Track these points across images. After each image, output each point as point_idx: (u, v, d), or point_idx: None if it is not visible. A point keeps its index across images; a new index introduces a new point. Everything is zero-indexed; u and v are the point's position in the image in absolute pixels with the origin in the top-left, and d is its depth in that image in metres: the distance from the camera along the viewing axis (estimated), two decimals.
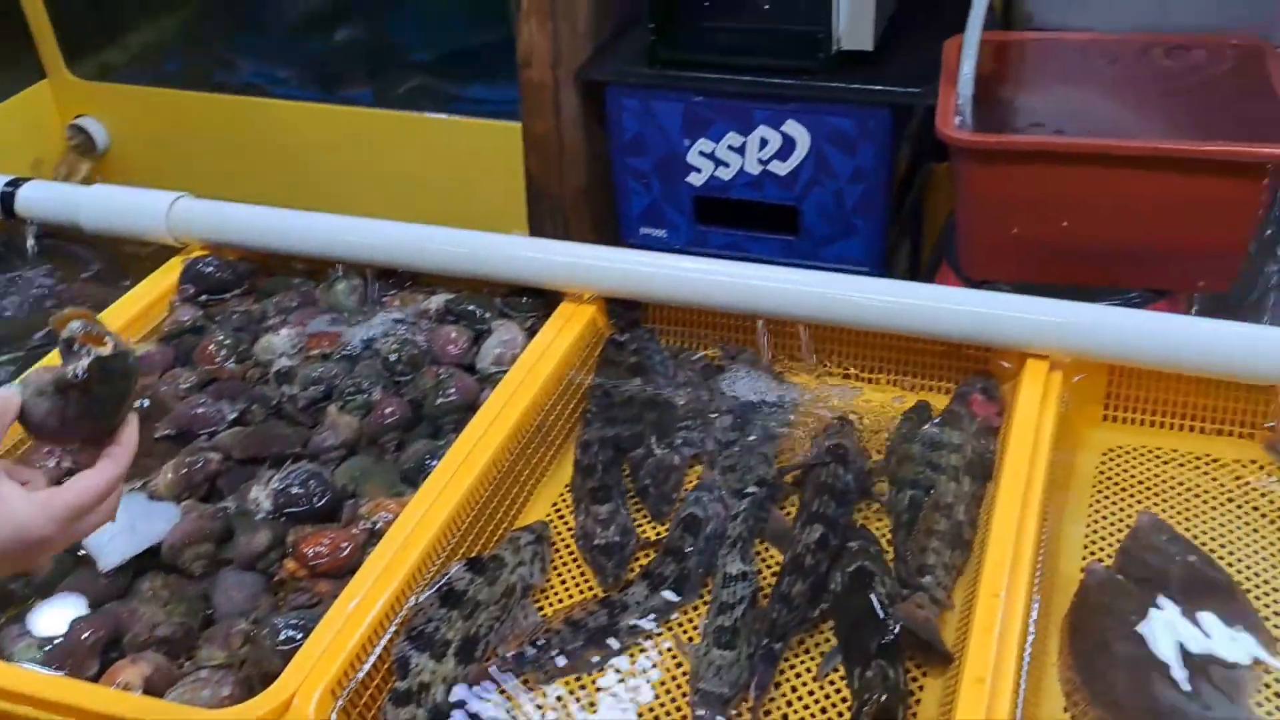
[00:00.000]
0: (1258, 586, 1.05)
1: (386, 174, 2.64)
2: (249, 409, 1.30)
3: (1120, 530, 1.11)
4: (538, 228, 2.10)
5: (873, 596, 1.04)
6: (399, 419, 1.27)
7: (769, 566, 1.11)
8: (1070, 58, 1.69)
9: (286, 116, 2.60)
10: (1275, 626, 1.01)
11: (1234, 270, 1.57)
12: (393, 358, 1.34)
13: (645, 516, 1.18)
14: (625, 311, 1.37)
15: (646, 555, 1.13)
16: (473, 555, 1.11)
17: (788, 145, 1.90)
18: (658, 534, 1.16)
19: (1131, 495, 1.16)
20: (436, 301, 1.41)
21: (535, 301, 1.39)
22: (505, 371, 1.27)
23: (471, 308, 1.40)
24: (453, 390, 1.28)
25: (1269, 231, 1.70)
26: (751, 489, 1.16)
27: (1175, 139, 1.55)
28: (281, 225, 1.50)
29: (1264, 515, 1.12)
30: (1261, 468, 1.17)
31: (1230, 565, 1.07)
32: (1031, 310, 1.20)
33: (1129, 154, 1.49)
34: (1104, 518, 1.14)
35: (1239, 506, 1.13)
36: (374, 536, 1.11)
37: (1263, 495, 1.13)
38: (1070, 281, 1.62)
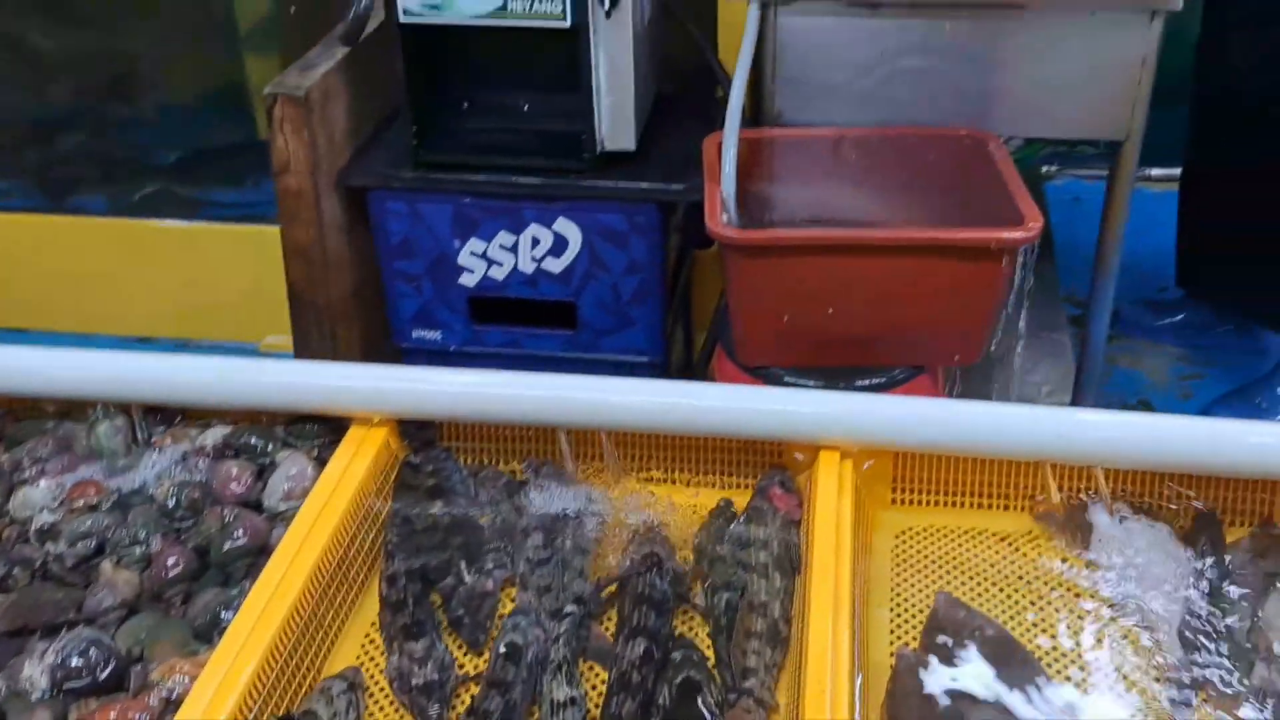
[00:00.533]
0: (1048, 652, 1.13)
1: (126, 287, 2.51)
2: (10, 573, 1.19)
3: (921, 611, 1.18)
4: (303, 339, 2.03)
5: (702, 706, 1.06)
6: (184, 569, 1.19)
7: (595, 688, 1.11)
8: (820, 151, 1.80)
9: (7, 232, 2.44)
10: (1073, 686, 1.09)
11: (982, 344, 1.71)
12: (170, 502, 1.26)
13: (462, 648, 1.15)
14: (418, 431, 1.35)
15: (468, 690, 1.11)
16: (282, 713, 1.06)
17: (560, 243, 1.93)
18: (477, 667, 1.13)
19: (927, 575, 1.23)
20: (213, 436, 1.34)
21: (322, 428, 1.35)
22: (297, 507, 1.22)
23: (253, 440, 1.34)
24: (241, 533, 1.22)
25: (1011, 305, 1.86)
26: (570, 608, 1.15)
27: (921, 226, 1.69)
28: (21, 365, 1.39)
29: (1045, 583, 1.21)
30: (1035, 538, 1.26)
31: (1022, 633, 1.15)
32: (820, 404, 1.26)
33: (882, 243, 1.60)
34: (905, 600, 1.20)
35: (1020, 577, 1.22)
36: (170, 705, 1.04)
37: (1037, 565, 1.23)
38: (840, 363, 1.71)
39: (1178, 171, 3.07)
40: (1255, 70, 2.10)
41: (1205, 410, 2.33)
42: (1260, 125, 2.13)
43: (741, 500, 1.28)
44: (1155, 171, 1.92)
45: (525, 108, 2.00)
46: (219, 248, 2.52)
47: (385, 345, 2.09)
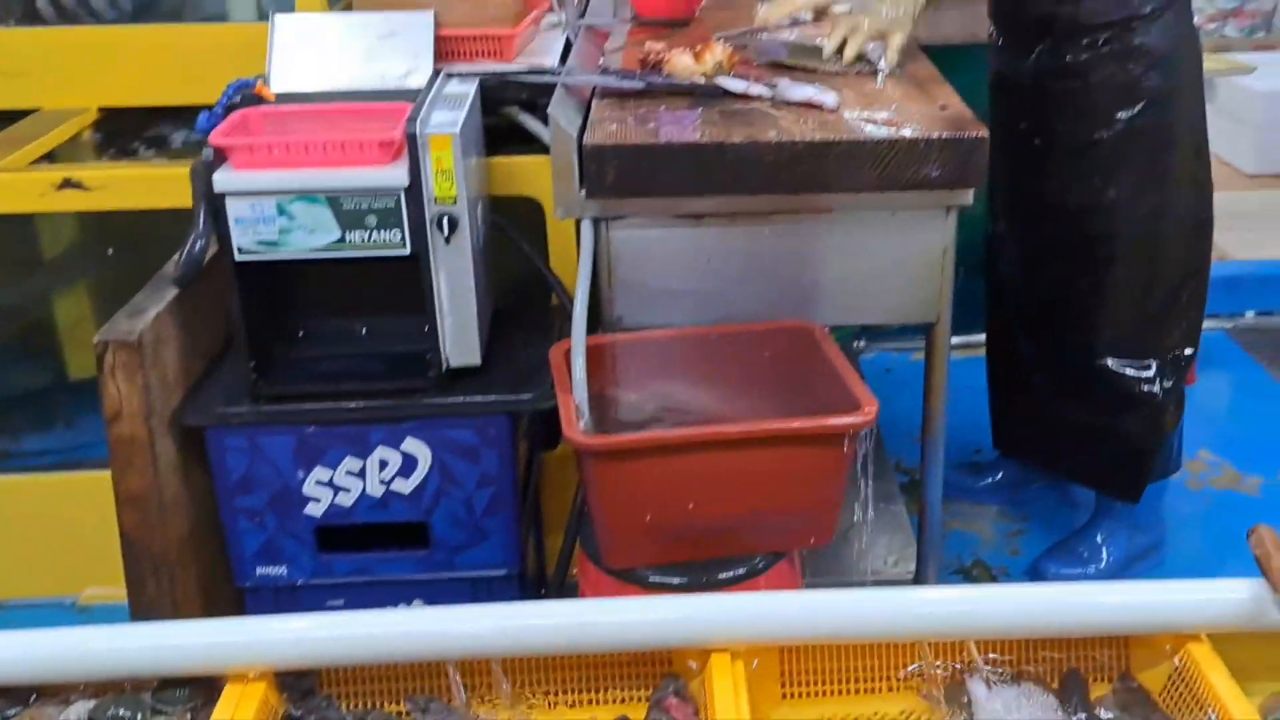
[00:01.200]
0: None
1: None
2: None
3: None
4: (138, 588, 1.95)
5: None
6: None
7: None
8: (661, 352, 1.89)
9: None
10: None
11: (833, 524, 1.80)
12: None
13: None
14: (297, 681, 1.31)
15: None
16: None
17: (409, 463, 1.94)
18: None
19: None
20: (76, 712, 1.27)
21: (194, 689, 1.30)
22: None
23: (120, 712, 1.27)
24: None
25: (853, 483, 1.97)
26: None
27: (766, 418, 1.78)
28: None
29: None
30: (922, 716, 1.33)
31: None
32: (708, 608, 1.30)
33: (733, 437, 1.68)
34: None
35: None
36: None
37: None
38: (704, 555, 1.76)
39: (980, 338, 3.37)
40: (1023, 263, 2.35)
41: (1034, 564, 2.48)
42: (1028, 308, 2.37)
43: (638, 714, 1.30)
44: (956, 340, 2.09)
45: (364, 331, 2.03)
46: (29, 499, 2.42)
47: (225, 587, 2.02)
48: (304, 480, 1.94)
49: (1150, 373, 2.24)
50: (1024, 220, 2.32)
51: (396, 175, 1.78)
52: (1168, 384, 2.24)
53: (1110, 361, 2.24)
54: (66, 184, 2.16)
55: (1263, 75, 4.46)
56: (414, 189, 1.79)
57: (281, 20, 2.04)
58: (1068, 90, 2.11)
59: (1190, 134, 2.16)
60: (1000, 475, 2.73)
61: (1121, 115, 2.08)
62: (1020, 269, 2.36)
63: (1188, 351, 2.27)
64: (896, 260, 1.85)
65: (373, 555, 2.02)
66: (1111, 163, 2.11)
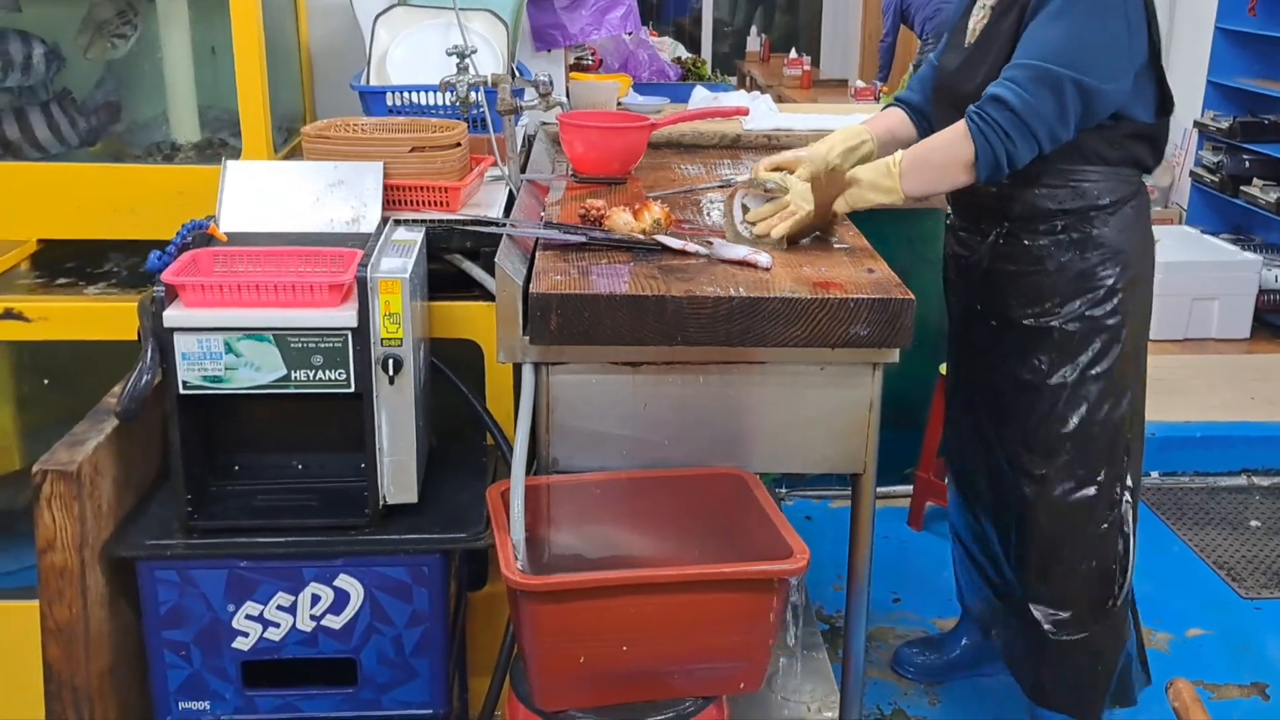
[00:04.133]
0: None
1: None
2: None
3: None
4: None
5: None
6: None
7: None
8: (597, 495, 1.95)
9: None
10: None
11: (763, 670, 1.85)
12: None
13: None
14: None
15: None
16: None
17: (341, 599, 1.96)
18: None
19: None
20: None
21: None
22: None
23: None
24: None
25: (782, 630, 2.03)
26: None
27: (700, 562, 1.84)
28: None
29: None
30: None
31: None
32: None
33: (668, 581, 1.73)
34: None
35: None
36: None
37: None
38: (636, 699, 1.80)
39: (902, 489, 3.48)
40: (975, 440, 2.38)
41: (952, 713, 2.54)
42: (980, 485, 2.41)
43: None
44: (881, 489, 2.18)
45: (299, 467, 2.06)
46: None
47: None
48: (234, 614, 1.94)
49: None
50: (977, 399, 2.32)
51: (345, 316, 1.84)
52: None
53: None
54: (8, 314, 2.18)
55: (1161, 249, 4.77)
56: (361, 330, 1.85)
57: (233, 166, 2.13)
58: (1023, 274, 2.13)
59: (1139, 328, 2.17)
60: (960, 648, 2.71)
61: (1075, 304, 2.10)
62: (972, 447, 2.37)
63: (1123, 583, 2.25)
64: (825, 413, 1.95)
65: (299, 692, 2.01)
66: (1062, 349, 2.12)
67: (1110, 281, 2.10)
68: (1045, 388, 2.16)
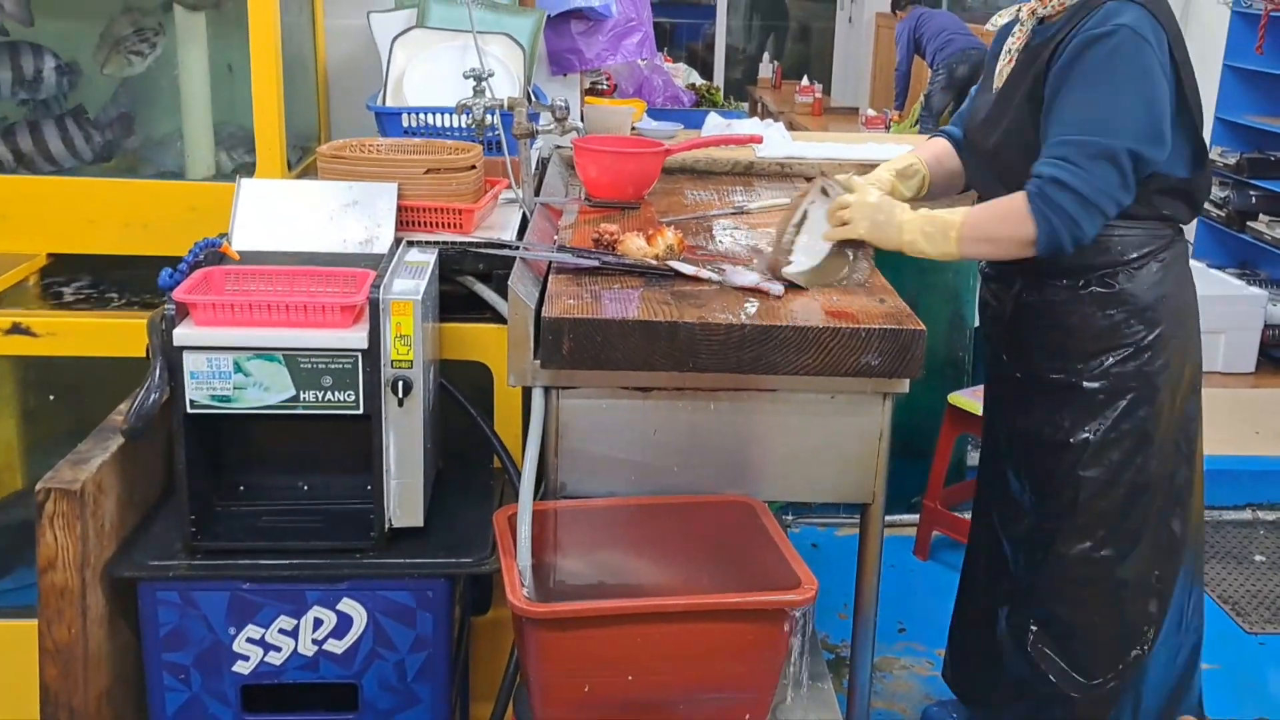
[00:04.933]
0: None
1: None
2: None
3: None
4: None
5: None
6: None
7: None
8: (605, 521, 1.92)
9: None
10: None
11: (769, 701, 1.81)
12: None
13: None
14: None
15: None
16: None
17: (344, 623, 1.92)
18: None
19: None
20: None
21: None
22: None
23: None
24: None
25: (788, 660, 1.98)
26: None
27: (707, 592, 1.81)
28: None
29: None
30: None
31: None
32: None
33: (675, 610, 1.69)
34: None
35: None
36: None
37: None
38: None
39: (908, 517, 3.44)
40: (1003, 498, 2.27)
41: None
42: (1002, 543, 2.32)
43: None
44: (888, 518, 2.15)
45: (305, 488, 2.03)
46: None
47: None
48: (235, 637, 1.90)
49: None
50: (1007, 451, 2.24)
51: (356, 338, 1.82)
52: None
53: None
54: (15, 329, 2.16)
55: None
56: (372, 352, 1.83)
57: (247, 184, 2.11)
58: (1046, 328, 2.06)
59: (1177, 385, 2.06)
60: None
61: (1101, 361, 2.02)
62: (1001, 502, 2.28)
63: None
64: (835, 442, 1.92)
65: (299, 717, 1.97)
66: (1086, 407, 2.04)
67: (1139, 338, 2.01)
68: (1067, 445, 2.07)
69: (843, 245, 2.03)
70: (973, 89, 2.31)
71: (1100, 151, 1.86)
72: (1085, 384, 2.04)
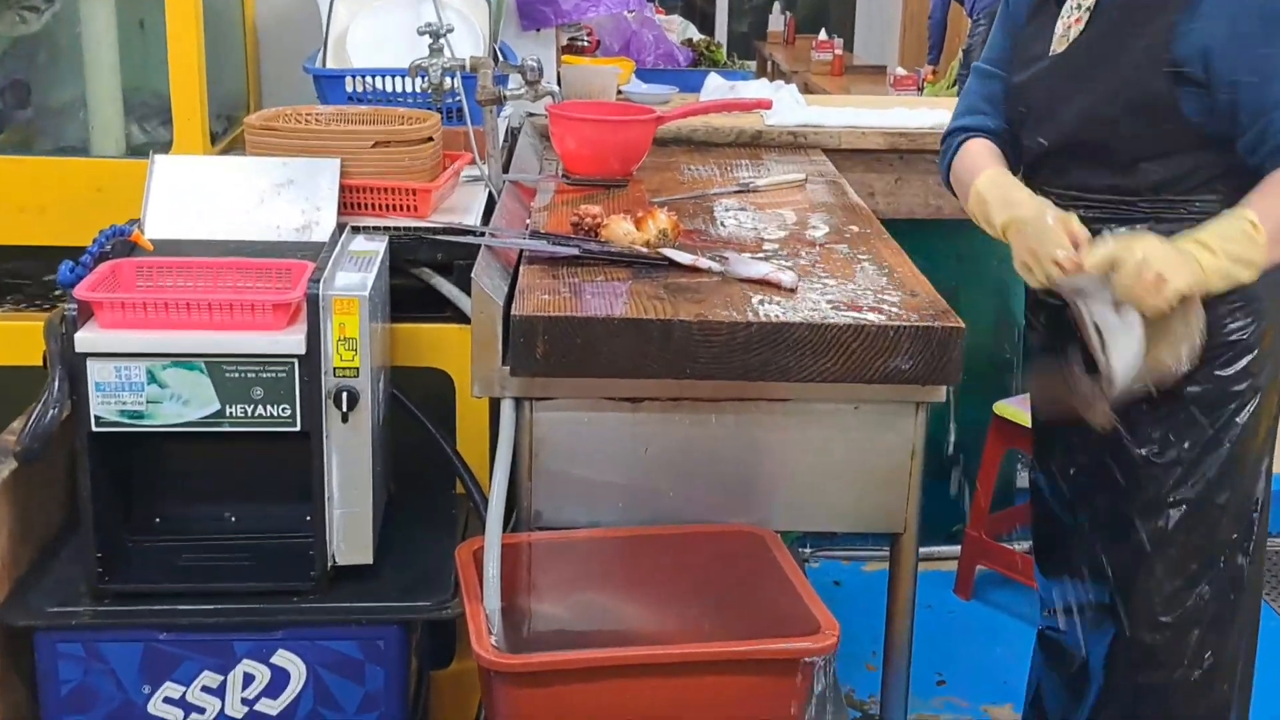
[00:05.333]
0: None
1: None
2: None
3: None
4: None
5: None
6: None
7: None
8: (587, 555, 1.92)
9: None
10: None
11: None
12: None
13: None
14: None
15: None
16: None
17: (279, 679, 1.92)
18: None
19: None
20: None
21: None
22: None
23: None
24: None
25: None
26: None
27: (708, 638, 1.81)
28: None
29: None
30: None
31: None
32: None
33: (667, 661, 1.70)
34: None
35: None
36: None
37: None
38: None
39: (948, 549, 3.45)
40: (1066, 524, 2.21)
41: None
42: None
43: None
44: (923, 550, 2.14)
45: (233, 519, 2.03)
46: None
47: None
48: (149, 697, 1.90)
49: None
50: (1070, 473, 2.18)
51: (292, 342, 1.82)
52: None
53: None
54: None
55: None
56: (311, 358, 1.83)
57: (162, 162, 2.10)
58: None
59: (1277, 393, 2.03)
60: None
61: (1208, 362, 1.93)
62: (1059, 525, 2.22)
63: None
64: (859, 460, 1.92)
65: None
66: (1178, 419, 2.00)
67: (1242, 336, 1.97)
68: (1155, 465, 2.02)
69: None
70: (983, 62, 2.21)
71: None
72: (1178, 392, 1.96)
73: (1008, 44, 2.16)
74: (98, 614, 1.87)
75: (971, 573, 3.37)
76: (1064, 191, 2.00)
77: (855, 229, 2.31)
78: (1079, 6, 2.03)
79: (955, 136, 2.17)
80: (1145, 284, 1.75)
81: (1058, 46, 2.04)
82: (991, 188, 1.98)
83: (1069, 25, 2.04)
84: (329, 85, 2.60)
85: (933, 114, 3.10)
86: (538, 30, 3.20)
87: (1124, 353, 1.81)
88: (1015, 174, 2.07)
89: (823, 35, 8.47)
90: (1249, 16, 1.86)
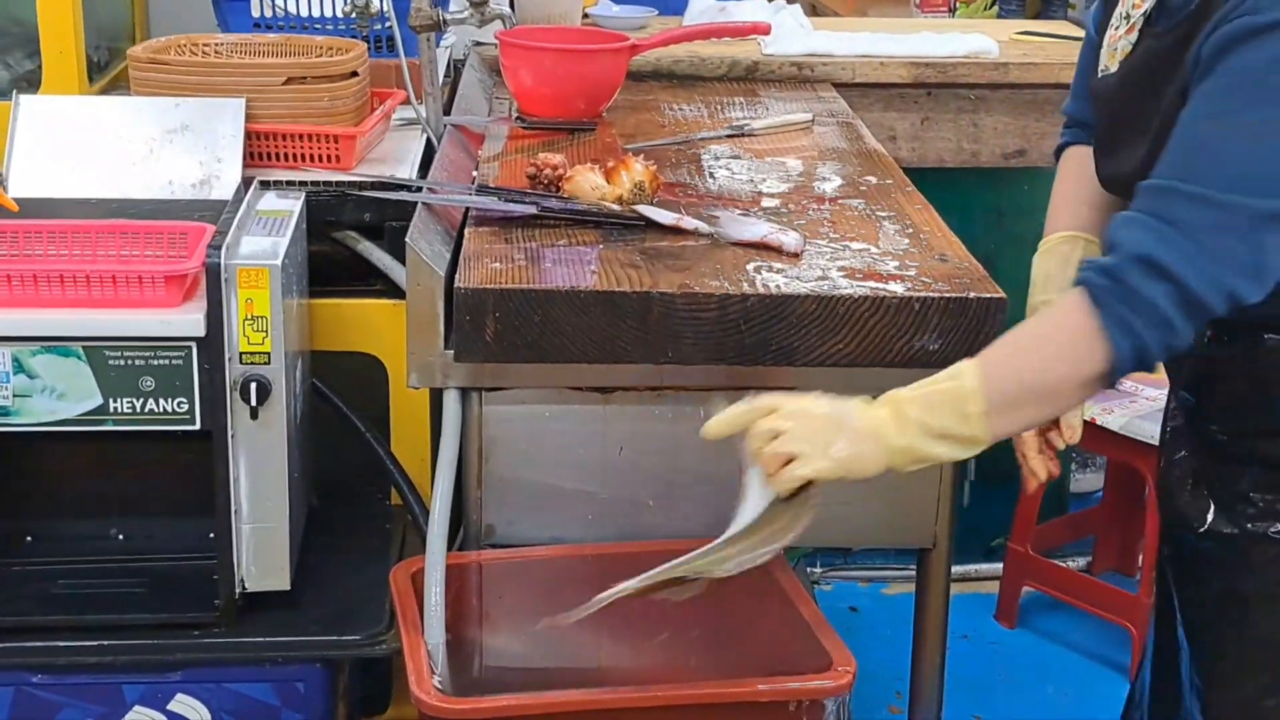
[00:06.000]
0: None
1: None
2: None
3: None
4: None
5: None
6: None
7: None
8: (552, 579, 1.93)
9: None
10: None
11: None
12: None
13: None
14: None
15: None
16: None
17: None
18: None
19: None
20: None
21: None
22: None
23: None
24: None
25: None
26: None
27: (696, 677, 1.82)
28: None
29: None
30: None
31: None
32: None
33: (648, 705, 1.71)
34: None
35: None
36: None
37: None
38: None
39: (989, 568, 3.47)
40: None
41: None
42: None
43: None
44: (955, 568, 2.14)
45: (120, 537, 2.04)
46: None
47: None
48: None
49: None
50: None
51: (188, 322, 1.82)
52: None
53: None
54: None
55: None
56: (211, 341, 1.83)
57: (29, 103, 2.10)
58: (1246, 393, 1.81)
59: None
60: None
61: None
62: None
63: None
64: None
65: None
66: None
67: None
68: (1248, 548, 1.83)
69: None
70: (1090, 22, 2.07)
71: (1225, 213, 1.61)
72: None
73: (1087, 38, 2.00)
74: None
75: (1016, 595, 3.39)
76: None
77: (873, 180, 2.31)
78: (1126, 16, 1.85)
79: (1066, 123, 2.06)
80: (767, 457, 1.66)
81: (1110, 61, 1.88)
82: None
83: (1116, 39, 1.87)
84: (231, 9, 2.60)
85: (966, 40, 3.11)
86: None
87: (741, 516, 1.70)
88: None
89: None
90: (1214, 58, 1.65)
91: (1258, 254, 1.61)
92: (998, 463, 3.29)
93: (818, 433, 1.65)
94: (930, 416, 1.64)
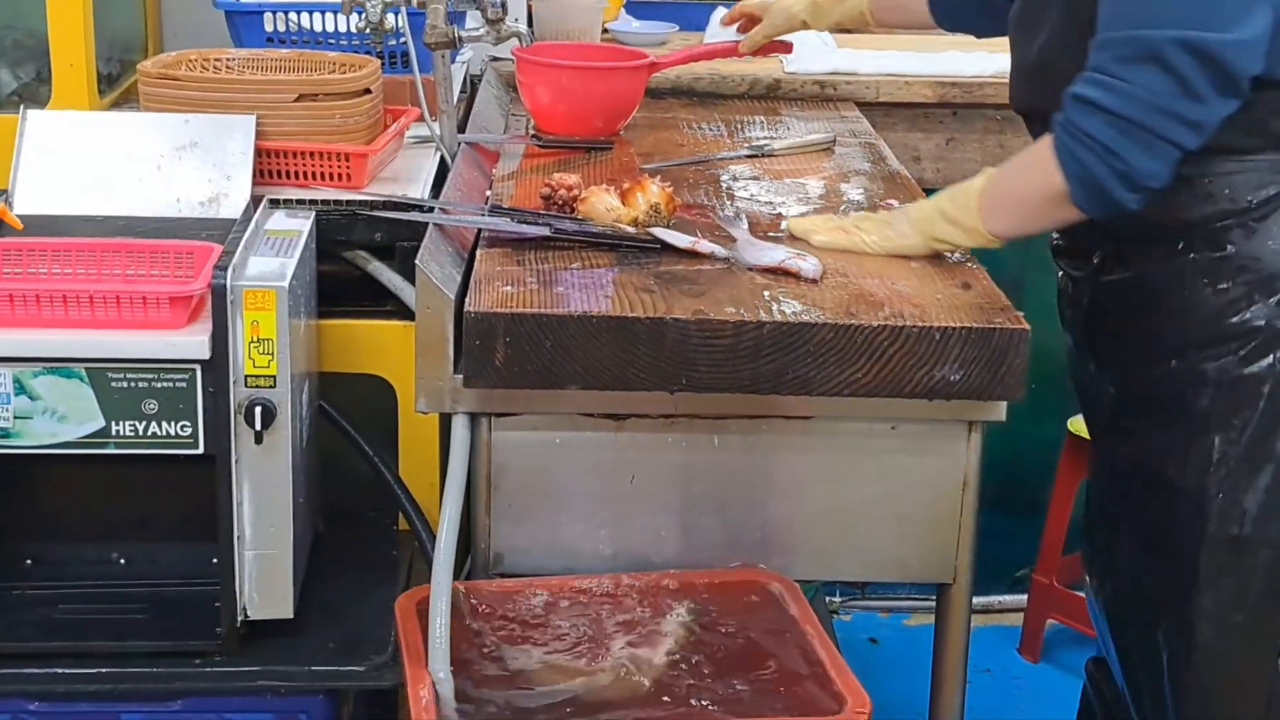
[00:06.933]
0: None
1: None
2: None
3: None
4: None
5: None
6: None
7: None
8: (561, 611, 1.91)
9: None
10: None
11: None
12: None
13: None
14: None
15: None
16: None
17: None
18: None
19: None
20: None
21: None
22: None
23: None
24: None
25: None
26: None
27: (708, 714, 1.80)
28: None
29: None
30: None
31: None
32: None
33: None
34: None
35: None
36: None
37: None
38: None
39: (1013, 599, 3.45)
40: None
41: None
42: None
43: None
44: (976, 600, 2.13)
45: (121, 562, 2.04)
46: None
47: None
48: None
49: None
50: (1105, 490, 2.22)
51: (193, 344, 1.82)
52: None
53: None
54: None
55: None
56: (217, 364, 1.83)
57: (36, 119, 2.10)
58: (1136, 316, 2.04)
59: None
60: None
61: (1213, 358, 1.98)
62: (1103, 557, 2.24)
63: None
64: (898, 493, 1.93)
65: None
66: (1198, 426, 2.00)
67: (1259, 320, 1.97)
68: (1178, 485, 2.01)
69: None
70: None
71: (1135, 46, 1.86)
72: (1194, 391, 1.99)
73: None
74: None
75: (1040, 628, 3.38)
76: None
77: (896, 204, 2.30)
78: None
79: None
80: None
81: None
82: None
83: None
84: (244, 23, 2.60)
85: (994, 59, 3.09)
86: None
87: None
88: None
89: None
90: None
91: (1177, 76, 1.86)
92: (1022, 492, 3.31)
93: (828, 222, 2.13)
94: (948, 204, 2.07)
